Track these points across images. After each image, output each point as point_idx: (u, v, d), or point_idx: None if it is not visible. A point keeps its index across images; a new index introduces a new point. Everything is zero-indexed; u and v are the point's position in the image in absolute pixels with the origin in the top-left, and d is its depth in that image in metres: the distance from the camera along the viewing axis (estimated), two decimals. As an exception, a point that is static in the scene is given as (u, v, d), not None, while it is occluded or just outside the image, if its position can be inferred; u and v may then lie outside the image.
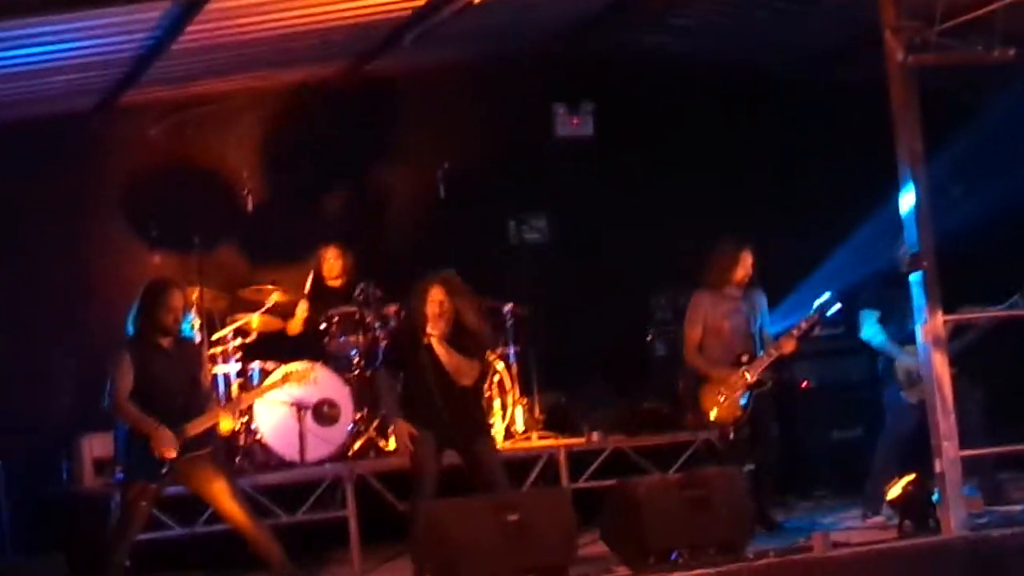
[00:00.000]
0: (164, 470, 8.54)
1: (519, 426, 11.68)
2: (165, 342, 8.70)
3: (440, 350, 9.40)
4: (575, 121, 13.23)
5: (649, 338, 12.55)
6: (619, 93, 13.21)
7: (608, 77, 13.18)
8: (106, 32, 9.56)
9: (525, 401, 11.85)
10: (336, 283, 11.83)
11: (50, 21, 8.92)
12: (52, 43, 9.47)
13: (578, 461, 11.04)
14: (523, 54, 12.71)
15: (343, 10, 10.13)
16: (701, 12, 12.15)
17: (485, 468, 9.42)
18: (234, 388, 11.02)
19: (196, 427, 8.57)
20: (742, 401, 10.09)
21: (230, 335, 11.22)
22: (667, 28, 12.72)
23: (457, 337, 9.48)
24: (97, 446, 10.95)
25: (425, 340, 9.40)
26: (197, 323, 10.26)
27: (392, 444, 10.78)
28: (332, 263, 11.84)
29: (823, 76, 13.06)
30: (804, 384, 12.35)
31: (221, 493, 8.67)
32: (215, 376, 10.90)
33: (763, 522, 9.97)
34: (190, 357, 8.90)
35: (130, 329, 8.76)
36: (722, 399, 10.08)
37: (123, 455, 8.96)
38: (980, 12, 9.02)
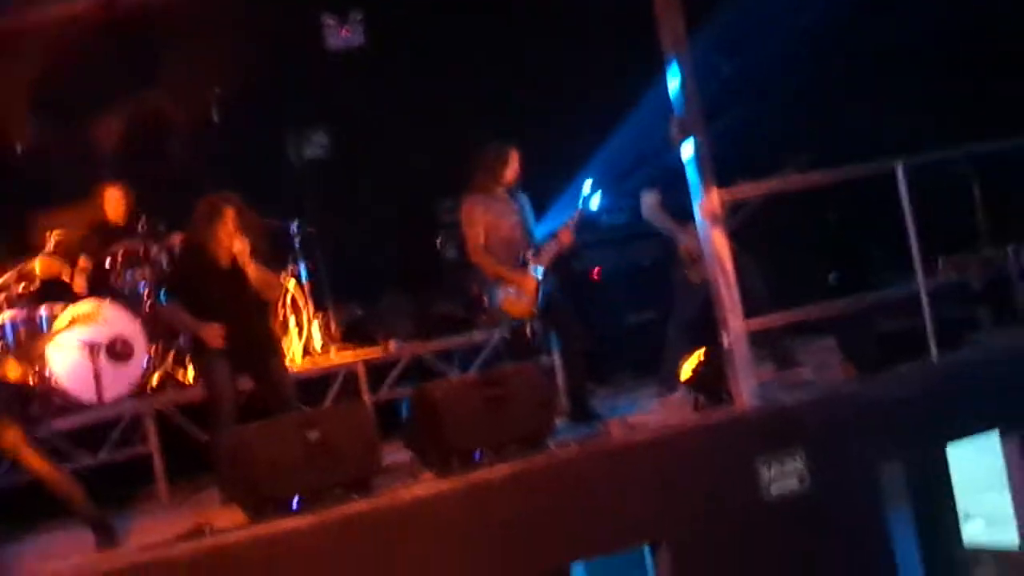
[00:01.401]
0: (-48, 425, 8.35)
1: (316, 343, 11.67)
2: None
3: (250, 267, 9.36)
4: (345, 31, 13.14)
5: (439, 242, 12.59)
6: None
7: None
8: None
9: (320, 317, 11.83)
10: (120, 221, 11.61)
11: None
12: None
13: (379, 372, 11.07)
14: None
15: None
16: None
17: (279, 388, 9.44)
18: (21, 334, 10.82)
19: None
20: (536, 296, 10.13)
21: (13, 280, 10.98)
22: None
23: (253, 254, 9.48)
24: None
25: (226, 260, 9.33)
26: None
27: (191, 375, 10.81)
28: (115, 203, 11.60)
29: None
30: (596, 271, 12.48)
31: (16, 443, 8.50)
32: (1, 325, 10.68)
33: (581, 414, 10.09)
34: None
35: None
36: (516, 296, 10.12)
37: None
38: None
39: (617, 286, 12.54)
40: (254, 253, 9.44)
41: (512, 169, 10.27)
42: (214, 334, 9.26)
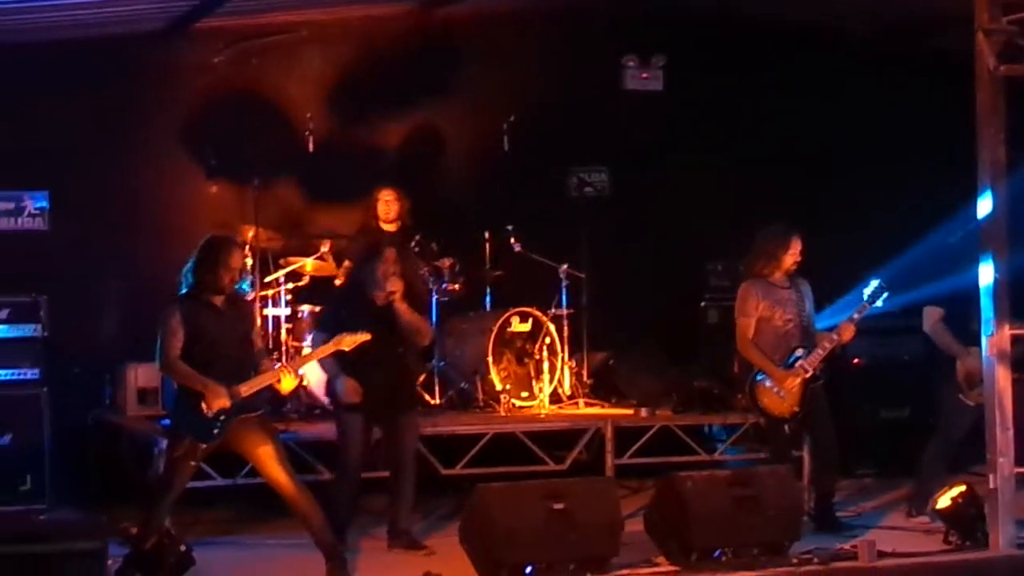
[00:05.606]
0: (215, 431, 8.39)
1: (566, 389, 11.56)
2: (218, 300, 8.54)
3: (402, 307, 9.31)
4: (644, 75, 13.01)
5: (703, 305, 12.36)
6: (693, 50, 12.98)
7: (682, 33, 12.93)
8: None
9: (573, 363, 11.72)
10: (390, 227, 11.62)
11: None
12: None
13: (624, 435, 10.87)
14: (596, 4, 12.45)
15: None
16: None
17: (403, 446, 9.44)
18: (283, 332, 10.99)
19: (249, 388, 8.43)
20: (798, 397, 9.84)
21: (283, 278, 11.13)
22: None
23: (409, 299, 9.44)
24: (142, 376, 10.91)
25: (382, 299, 9.28)
26: (249, 279, 10.15)
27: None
28: (388, 205, 11.62)
29: (910, 49, 12.61)
30: (855, 361, 12.15)
31: (268, 458, 8.52)
32: (265, 319, 10.80)
33: (826, 521, 9.83)
34: (243, 315, 8.70)
35: (183, 285, 8.59)
36: (778, 393, 9.84)
37: (172, 410, 8.91)
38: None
39: (874, 378, 12.17)
40: (410, 297, 9.40)
41: (792, 256, 9.99)
42: (351, 390, 9.23)
